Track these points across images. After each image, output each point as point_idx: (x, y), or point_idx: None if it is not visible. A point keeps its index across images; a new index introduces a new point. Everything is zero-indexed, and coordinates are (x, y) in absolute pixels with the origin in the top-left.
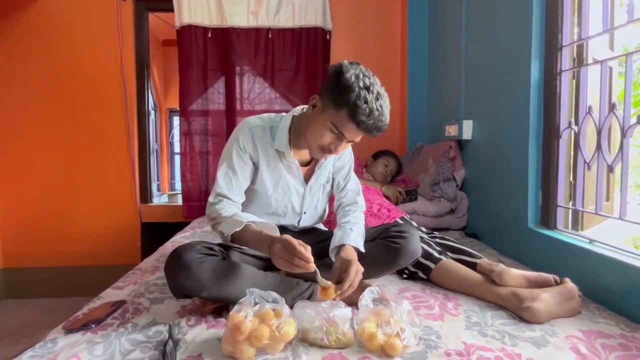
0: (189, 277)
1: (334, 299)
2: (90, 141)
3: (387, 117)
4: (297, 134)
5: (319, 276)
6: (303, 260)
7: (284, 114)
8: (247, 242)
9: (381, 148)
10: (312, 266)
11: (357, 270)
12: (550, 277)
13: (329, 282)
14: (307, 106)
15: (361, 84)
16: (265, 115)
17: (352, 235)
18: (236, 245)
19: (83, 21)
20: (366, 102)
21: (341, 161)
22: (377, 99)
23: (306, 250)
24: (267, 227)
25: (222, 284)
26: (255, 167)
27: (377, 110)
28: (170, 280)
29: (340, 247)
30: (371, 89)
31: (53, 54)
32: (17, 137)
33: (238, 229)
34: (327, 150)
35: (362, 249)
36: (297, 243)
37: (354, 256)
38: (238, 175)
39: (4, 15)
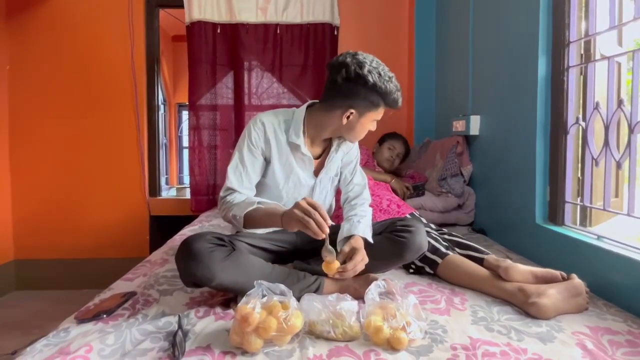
0: (199, 266)
1: (333, 275)
2: (101, 135)
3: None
4: (312, 128)
5: (327, 243)
6: (318, 226)
7: (294, 108)
8: (259, 219)
9: None
10: (324, 235)
11: (362, 257)
12: (557, 273)
13: (334, 254)
14: (317, 101)
15: (376, 76)
16: (278, 110)
17: (360, 226)
18: (245, 238)
19: (95, 18)
20: (390, 87)
21: (349, 156)
22: (389, 79)
23: (324, 219)
24: (277, 207)
25: (232, 273)
26: (267, 161)
27: (395, 85)
28: (181, 269)
29: (349, 237)
30: (381, 73)
31: (66, 49)
32: (29, 131)
33: (251, 209)
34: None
35: (371, 240)
36: (320, 205)
37: (361, 245)
38: (248, 170)
39: (19, 12)
